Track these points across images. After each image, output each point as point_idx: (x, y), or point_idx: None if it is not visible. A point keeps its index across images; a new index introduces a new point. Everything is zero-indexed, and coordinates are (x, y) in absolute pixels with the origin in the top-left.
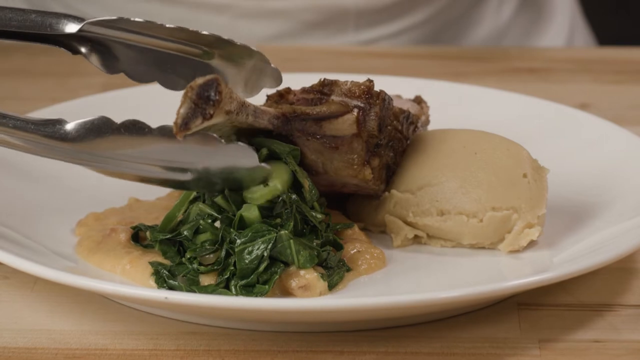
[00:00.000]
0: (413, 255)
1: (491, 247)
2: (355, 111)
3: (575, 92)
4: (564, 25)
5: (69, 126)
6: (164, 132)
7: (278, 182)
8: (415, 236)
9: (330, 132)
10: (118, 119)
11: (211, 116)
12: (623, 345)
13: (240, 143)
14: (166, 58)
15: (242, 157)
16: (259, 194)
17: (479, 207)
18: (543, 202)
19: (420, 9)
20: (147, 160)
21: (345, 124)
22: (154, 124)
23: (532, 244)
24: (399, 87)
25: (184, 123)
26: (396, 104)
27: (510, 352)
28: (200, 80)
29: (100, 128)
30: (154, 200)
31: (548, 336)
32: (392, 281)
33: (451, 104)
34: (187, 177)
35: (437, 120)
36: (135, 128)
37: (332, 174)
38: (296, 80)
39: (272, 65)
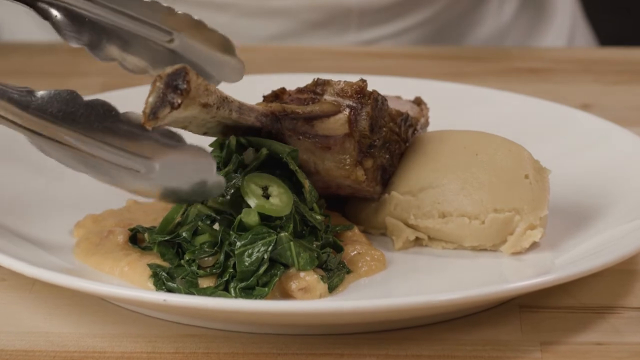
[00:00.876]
0: (414, 257)
1: (493, 249)
2: (347, 111)
3: (577, 93)
4: (565, 26)
5: (37, 94)
6: (128, 119)
7: (279, 201)
8: (417, 238)
9: (322, 131)
10: None
11: (179, 105)
12: (625, 348)
13: (200, 146)
14: (132, 39)
15: (199, 163)
16: (255, 201)
17: (481, 208)
18: (545, 203)
19: (422, 8)
20: (104, 144)
21: (337, 124)
22: None
23: (534, 245)
24: (399, 88)
25: (152, 112)
26: (395, 105)
27: (512, 355)
28: (169, 70)
29: (67, 102)
30: (153, 201)
31: (550, 339)
32: (392, 283)
33: (452, 105)
34: (140, 170)
35: (438, 120)
36: (102, 108)
37: (324, 175)
38: (297, 81)
39: (238, 57)
